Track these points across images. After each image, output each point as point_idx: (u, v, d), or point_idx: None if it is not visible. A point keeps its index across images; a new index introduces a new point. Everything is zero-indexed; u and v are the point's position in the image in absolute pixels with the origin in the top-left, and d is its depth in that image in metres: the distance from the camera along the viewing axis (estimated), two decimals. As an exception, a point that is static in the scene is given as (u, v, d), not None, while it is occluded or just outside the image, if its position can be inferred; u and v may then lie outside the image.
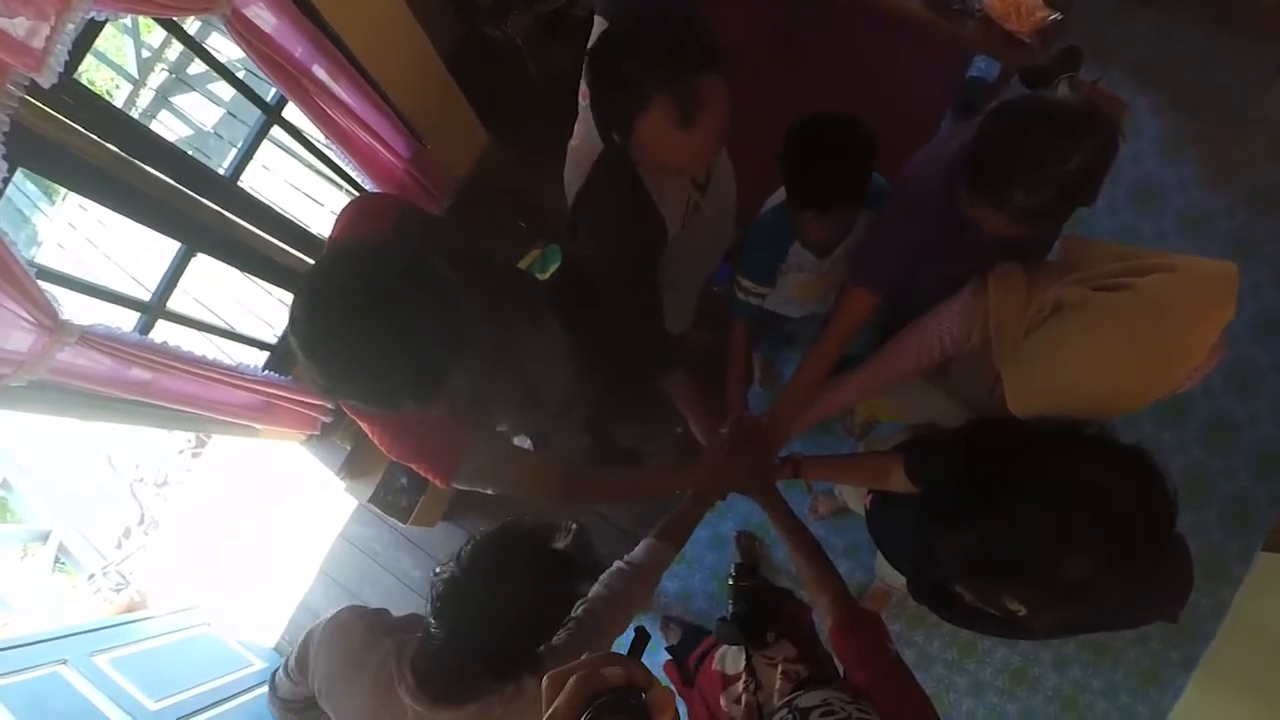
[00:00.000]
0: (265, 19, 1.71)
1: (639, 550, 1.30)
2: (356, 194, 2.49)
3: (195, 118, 3.23)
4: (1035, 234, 1.07)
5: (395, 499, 2.25)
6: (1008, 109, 1.01)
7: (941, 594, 1.29)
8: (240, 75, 2.41)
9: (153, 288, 1.98)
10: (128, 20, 3.24)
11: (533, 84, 2.60)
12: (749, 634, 1.21)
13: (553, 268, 2.51)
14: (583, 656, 1.02)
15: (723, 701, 1.16)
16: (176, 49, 3.28)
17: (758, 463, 1.51)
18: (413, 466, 1.12)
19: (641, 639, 0.88)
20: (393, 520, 2.30)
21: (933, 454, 1.23)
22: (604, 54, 1.02)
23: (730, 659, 1.22)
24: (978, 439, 1.11)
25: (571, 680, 0.53)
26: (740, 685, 1.14)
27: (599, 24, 1.19)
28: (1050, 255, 1.27)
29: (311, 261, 2.25)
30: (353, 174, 2.22)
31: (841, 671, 1.21)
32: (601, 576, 1.22)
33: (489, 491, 1.22)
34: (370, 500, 2.25)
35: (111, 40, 3.43)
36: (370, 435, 1.10)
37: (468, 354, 0.83)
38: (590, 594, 1.18)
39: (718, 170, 1.41)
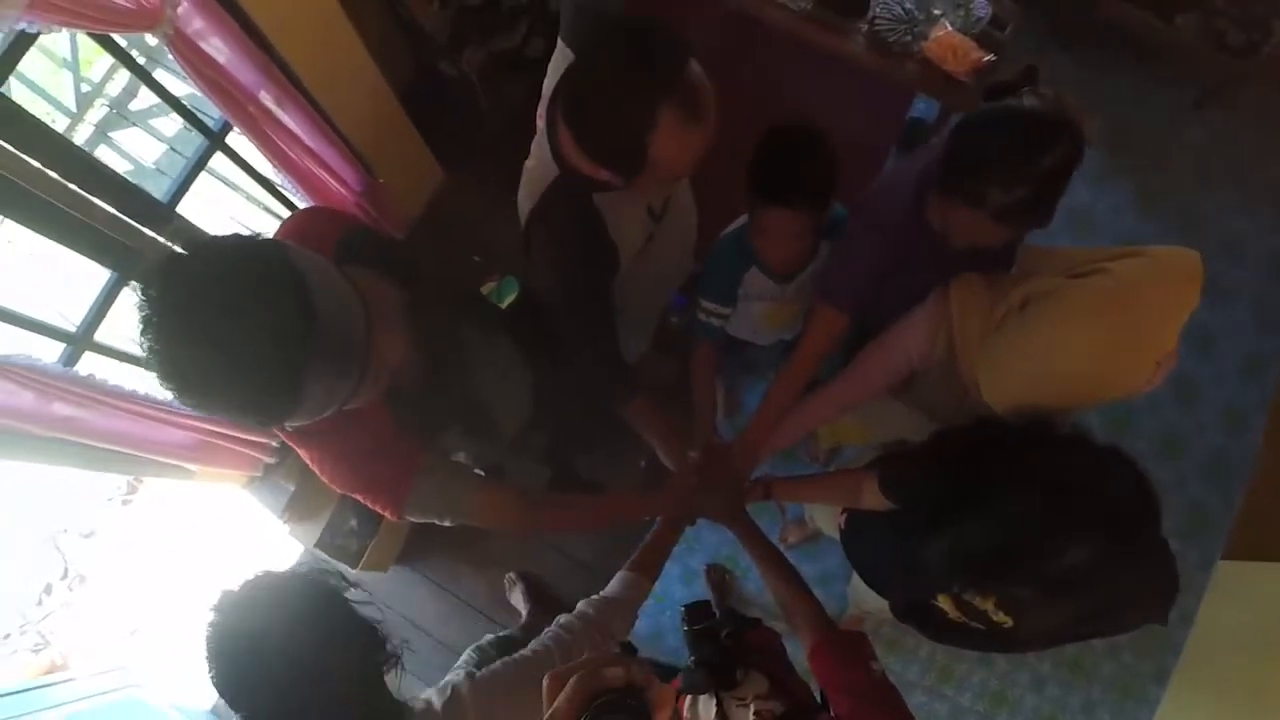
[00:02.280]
0: (209, 41, 1.66)
1: (613, 584, 1.25)
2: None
3: (136, 154, 3.12)
4: (1008, 235, 1.09)
5: (345, 543, 2.12)
6: (982, 114, 1.05)
7: (923, 611, 1.26)
8: (186, 107, 2.34)
9: (79, 319, 1.86)
10: (67, 54, 3.16)
11: (487, 121, 2.60)
12: (718, 678, 1.14)
13: (510, 298, 2.47)
14: (541, 667, 0.97)
15: None
16: (118, 85, 3.19)
17: (728, 487, 1.47)
18: (359, 497, 1.05)
19: (628, 652, 0.83)
20: (342, 566, 2.15)
21: (907, 467, 1.21)
22: (585, 80, 0.98)
23: (702, 707, 1.14)
24: (951, 447, 1.09)
25: (572, 680, 0.54)
26: None
27: (562, 53, 1.16)
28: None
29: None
30: (302, 206, 2.16)
31: (819, 697, 1.15)
32: (578, 605, 1.16)
33: (446, 523, 1.15)
34: (317, 545, 2.11)
35: (50, 75, 3.32)
36: (311, 464, 1.02)
37: (320, 365, 0.73)
38: (563, 621, 1.11)
39: (676, 201, 1.41)
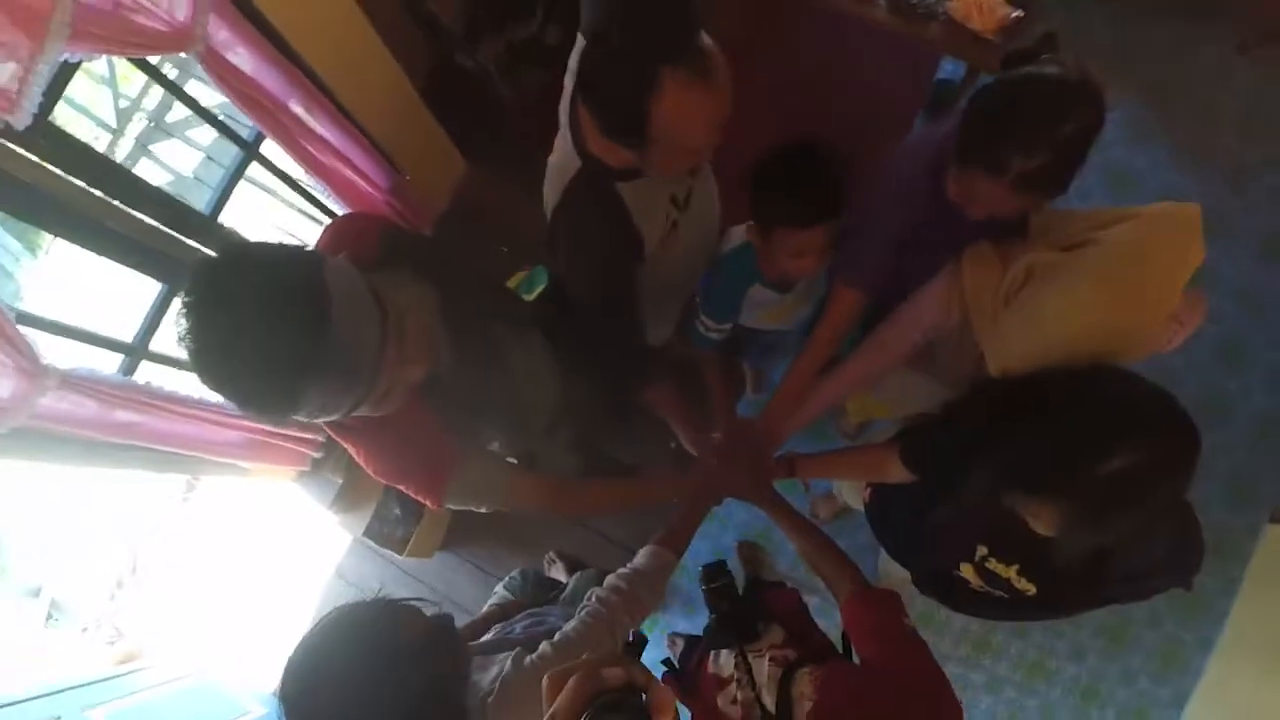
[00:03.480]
0: (240, 55, 1.72)
1: (641, 557, 1.27)
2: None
3: (175, 165, 3.24)
4: (1028, 205, 1.07)
5: (390, 531, 2.22)
6: (1001, 81, 1.02)
7: (946, 582, 1.28)
8: (219, 119, 2.42)
9: (135, 330, 1.96)
10: (105, 71, 3.28)
11: (507, 111, 2.63)
12: (739, 631, 1.19)
13: (539, 288, 2.51)
14: (585, 642, 1.01)
15: (720, 703, 1.13)
16: (154, 98, 3.30)
17: (753, 465, 1.50)
18: (401, 487, 1.10)
19: (638, 643, 0.86)
20: (388, 553, 2.26)
21: (926, 436, 1.23)
22: (597, 55, 1.02)
23: (724, 660, 1.19)
24: (968, 406, 1.10)
25: (572, 681, 0.54)
26: (734, 686, 1.12)
27: (581, 46, 1.18)
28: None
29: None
30: (334, 208, 2.23)
31: (842, 649, 1.18)
32: (607, 579, 1.20)
33: (482, 510, 1.20)
34: (365, 534, 2.21)
35: (90, 92, 3.46)
36: (355, 457, 1.07)
37: (321, 377, 0.77)
38: (599, 595, 1.15)
39: (698, 188, 1.41)
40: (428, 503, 1.12)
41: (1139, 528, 0.87)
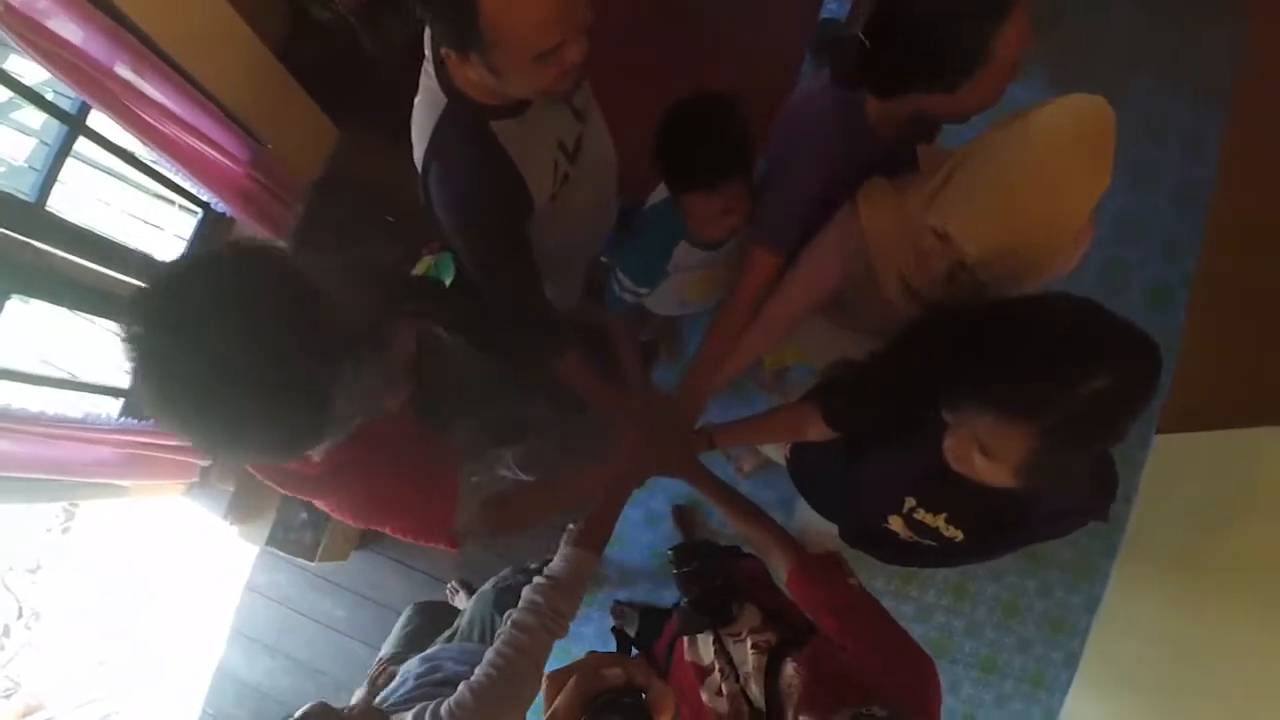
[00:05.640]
0: (49, 14, 1.48)
1: (558, 562, 1.16)
2: (194, 208, 2.24)
3: (4, 153, 2.81)
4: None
5: (298, 536, 2.06)
6: None
7: (874, 535, 1.27)
8: (37, 92, 2.10)
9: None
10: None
11: (374, 66, 2.39)
12: (714, 615, 1.13)
13: (452, 273, 2.32)
14: (508, 678, 0.93)
15: (704, 696, 1.07)
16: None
17: (674, 439, 1.42)
18: (402, 533, 1.05)
19: (623, 642, 0.82)
20: (300, 560, 2.10)
21: (848, 391, 1.18)
22: None
23: (701, 647, 1.14)
24: (909, 345, 1.06)
25: (571, 681, 0.55)
26: (717, 675, 1.06)
27: None
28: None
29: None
30: (187, 186, 1.98)
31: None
32: (524, 593, 1.09)
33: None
34: (269, 543, 2.04)
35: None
36: (332, 509, 1.02)
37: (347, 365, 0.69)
38: (515, 619, 1.04)
39: (589, 136, 1.30)
40: (439, 543, 1.07)
41: (1071, 464, 0.86)
